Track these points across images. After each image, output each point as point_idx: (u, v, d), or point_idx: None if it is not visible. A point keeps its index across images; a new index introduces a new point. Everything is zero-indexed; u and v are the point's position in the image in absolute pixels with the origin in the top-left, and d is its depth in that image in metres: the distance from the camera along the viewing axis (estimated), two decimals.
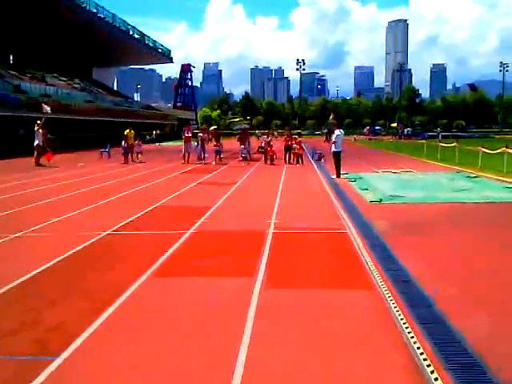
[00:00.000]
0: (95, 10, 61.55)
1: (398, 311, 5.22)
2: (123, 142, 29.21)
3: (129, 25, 73.45)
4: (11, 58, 60.22)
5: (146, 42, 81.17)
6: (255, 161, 28.40)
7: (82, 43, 64.58)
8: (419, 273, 6.60)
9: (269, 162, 26.65)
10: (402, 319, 4.99)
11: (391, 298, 5.65)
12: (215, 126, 35.46)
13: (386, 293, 5.83)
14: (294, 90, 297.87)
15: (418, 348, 4.33)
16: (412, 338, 4.54)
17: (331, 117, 25.04)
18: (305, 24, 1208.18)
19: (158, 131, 29.45)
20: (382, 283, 6.16)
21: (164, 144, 56.56)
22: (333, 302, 5.68)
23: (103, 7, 63.78)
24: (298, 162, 26.08)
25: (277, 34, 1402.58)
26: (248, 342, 4.60)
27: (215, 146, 27.76)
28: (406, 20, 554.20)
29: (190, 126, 32.66)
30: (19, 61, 58.71)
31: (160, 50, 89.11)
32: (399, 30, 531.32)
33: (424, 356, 4.19)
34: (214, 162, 26.91)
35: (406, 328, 4.76)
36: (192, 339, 4.72)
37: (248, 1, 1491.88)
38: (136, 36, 76.53)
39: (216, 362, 4.26)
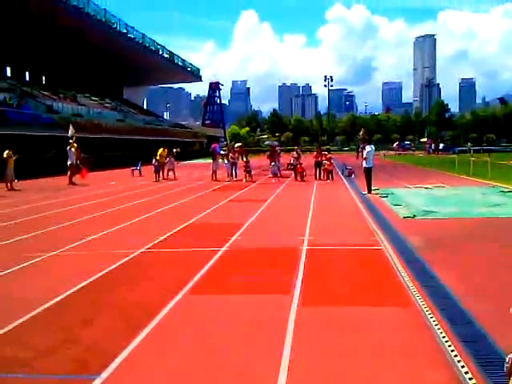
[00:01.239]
0: (125, 31, 62.49)
1: (439, 329, 5.13)
2: (153, 160, 29.45)
3: (158, 44, 74.40)
4: (44, 78, 61.39)
5: (176, 61, 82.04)
6: (285, 177, 28.35)
7: (113, 63, 65.62)
8: (457, 289, 6.49)
9: (299, 178, 26.56)
10: (443, 337, 4.90)
11: (431, 314, 5.56)
12: (240, 144, 35.53)
13: (425, 309, 5.74)
14: (322, 106, 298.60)
15: (463, 367, 4.24)
16: (455, 356, 4.45)
17: (361, 132, 24.83)
18: (332, 41, 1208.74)
19: (179, 149, 29.64)
20: (421, 300, 6.08)
21: (192, 162, 56.76)
22: (371, 320, 5.61)
23: (133, 27, 64.82)
24: (328, 178, 25.97)
25: (304, 51, 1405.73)
26: (288, 362, 4.54)
27: (245, 163, 27.75)
28: (433, 35, 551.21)
29: (216, 143, 32.82)
30: (51, 81, 59.83)
31: (189, 69, 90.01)
32: (427, 45, 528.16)
33: (469, 375, 4.10)
34: (244, 180, 26.93)
35: (449, 346, 4.67)
36: (231, 359, 4.69)
37: (275, 19, 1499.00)
38: (165, 55, 77.41)
39: (258, 378, 4.22)
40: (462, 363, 4.32)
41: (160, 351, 4.88)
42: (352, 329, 5.35)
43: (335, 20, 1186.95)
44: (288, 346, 4.89)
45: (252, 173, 28.13)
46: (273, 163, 28.37)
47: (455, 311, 5.70)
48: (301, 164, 28.03)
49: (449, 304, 5.95)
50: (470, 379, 4.05)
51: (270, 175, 28.41)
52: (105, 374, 4.35)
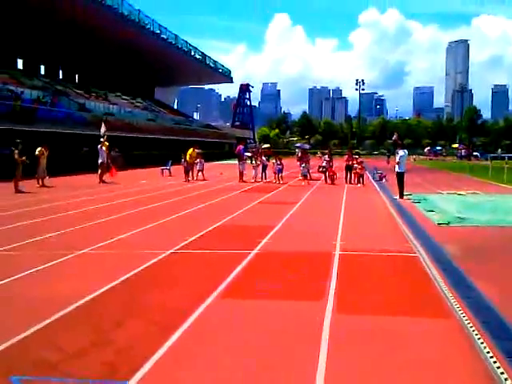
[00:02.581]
0: (158, 31, 62.74)
1: (482, 343, 4.88)
2: (182, 160, 29.46)
3: (191, 45, 74.54)
4: (77, 77, 62.03)
5: (207, 62, 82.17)
6: (315, 180, 28.11)
7: (145, 63, 65.95)
8: (498, 301, 6.23)
9: (329, 181, 26.32)
10: (487, 352, 4.65)
11: (472, 327, 5.32)
12: (268, 145, 35.34)
13: (466, 322, 5.49)
14: (352, 109, 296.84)
15: None
16: (502, 373, 4.20)
17: (395, 137, 24.55)
18: (364, 45, 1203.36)
19: (201, 150, 29.67)
20: (461, 311, 5.83)
21: (221, 162, 56.79)
22: (409, 332, 5.38)
23: (166, 28, 64.97)
24: (359, 182, 25.67)
25: (336, 54, 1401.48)
26: (324, 373, 4.36)
27: (278, 164, 27.53)
28: (466, 40, 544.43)
29: (242, 144, 32.70)
30: (84, 80, 60.46)
31: (220, 71, 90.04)
32: (460, 50, 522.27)
33: None
34: (274, 181, 26.79)
35: (494, 362, 4.42)
36: (264, 367, 4.51)
37: (308, 22, 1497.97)
38: (197, 56, 77.55)
39: None
40: (509, 381, 4.08)
41: (190, 357, 4.72)
42: (390, 340, 5.13)
43: (368, 24, 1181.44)
44: (323, 355, 4.70)
45: (283, 174, 27.97)
46: (303, 165, 28.09)
47: (498, 324, 5.45)
48: (332, 167, 27.80)
49: (490, 317, 5.70)
50: None
51: (300, 177, 28.15)
52: (136, 379, 4.21)
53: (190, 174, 29.32)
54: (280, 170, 27.43)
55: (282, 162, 28.22)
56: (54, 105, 41.54)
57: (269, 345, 5.01)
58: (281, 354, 4.79)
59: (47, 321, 5.61)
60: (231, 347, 4.96)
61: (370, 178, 30.03)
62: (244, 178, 27.83)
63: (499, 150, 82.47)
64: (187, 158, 29.25)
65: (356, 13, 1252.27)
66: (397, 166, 19.32)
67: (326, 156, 29.73)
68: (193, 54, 75.68)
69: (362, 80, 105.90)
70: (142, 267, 8.13)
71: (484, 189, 22.92)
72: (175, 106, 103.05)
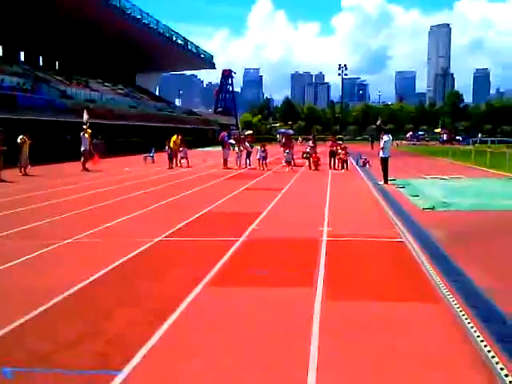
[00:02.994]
0: (140, 17, 62.18)
1: (472, 327, 4.92)
2: (166, 147, 29.39)
3: (172, 31, 74.02)
4: (57, 64, 61.34)
5: (189, 48, 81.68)
6: (299, 166, 28.11)
7: (126, 49, 65.30)
8: (488, 285, 6.28)
9: (313, 167, 26.33)
10: (478, 336, 4.69)
11: (462, 312, 5.36)
12: (250, 131, 35.26)
13: (455, 306, 5.53)
14: (335, 95, 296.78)
15: (502, 369, 4.04)
16: (493, 357, 4.24)
17: (378, 122, 24.57)
18: (347, 29, 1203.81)
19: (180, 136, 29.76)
20: (450, 296, 5.87)
21: (204, 149, 56.62)
22: (400, 316, 5.41)
23: (148, 13, 64.41)
24: (342, 168, 25.73)
25: (318, 39, 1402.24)
26: (316, 358, 4.37)
27: (262, 151, 27.42)
28: (448, 24, 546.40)
29: (225, 131, 32.64)
30: (65, 67, 59.80)
31: (202, 56, 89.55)
32: (441, 34, 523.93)
33: (510, 378, 3.90)
34: (258, 167, 26.76)
35: (485, 346, 4.46)
36: (257, 354, 4.52)
37: (290, 7, 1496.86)
38: (179, 42, 77.04)
39: (286, 379, 4.06)
40: (500, 365, 4.11)
41: (182, 345, 4.72)
42: (381, 325, 5.15)
43: (350, 8, 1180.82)
44: (315, 341, 4.71)
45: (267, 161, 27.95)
46: (287, 151, 28.02)
47: (486, 308, 5.50)
48: (316, 153, 27.80)
49: (479, 301, 5.74)
50: (510, 382, 3.84)
51: (284, 164, 28.12)
52: (128, 368, 4.20)
53: (174, 161, 29.23)
54: (264, 158, 27.35)
55: (267, 149, 28.11)
56: (34, 92, 41.09)
57: (261, 332, 5.01)
58: (273, 340, 4.80)
59: (36, 311, 5.57)
60: (222, 335, 4.96)
61: (354, 163, 30.09)
62: (228, 165, 27.76)
63: (479, 134, 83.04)
64: (171, 145, 29.16)
65: None
66: (381, 152, 19.38)
67: (310, 142, 29.75)
68: (174, 39, 75.15)
69: (345, 65, 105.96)
70: (130, 255, 8.09)
71: (467, 173, 23.09)
72: (157, 93, 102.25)
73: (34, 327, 5.18)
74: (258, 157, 27.40)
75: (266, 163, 27.39)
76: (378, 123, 25.07)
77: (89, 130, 27.12)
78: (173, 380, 4.10)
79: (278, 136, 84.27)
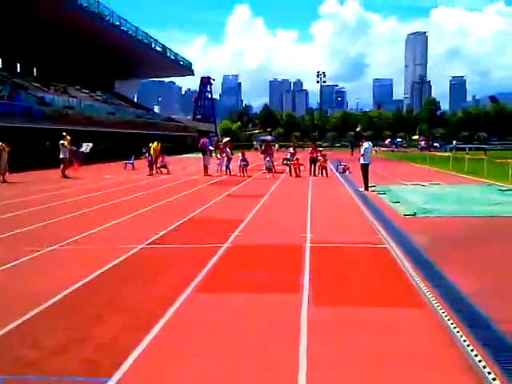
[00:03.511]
0: (118, 23, 61.98)
1: (458, 332, 4.98)
2: (146, 154, 29.34)
3: (151, 38, 73.86)
4: (35, 70, 60.85)
5: (168, 54, 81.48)
6: (279, 173, 28.17)
7: (105, 56, 65.00)
8: (471, 290, 6.36)
9: (294, 174, 26.37)
10: (464, 340, 4.75)
11: (447, 316, 5.41)
12: (228, 138, 35.24)
13: (440, 311, 5.59)
14: (313, 102, 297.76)
15: (489, 373, 4.09)
16: (480, 361, 4.29)
17: (358, 128, 24.80)
18: (325, 36, 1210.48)
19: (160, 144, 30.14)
20: (435, 301, 5.93)
21: (183, 156, 56.47)
22: (386, 321, 5.46)
23: (126, 20, 64.24)
24: (322, 174, 25.82)
25: (297, 46, 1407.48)
26: (305, 364, 4.40)
27: (242, 160, 27.41)
28: (425, 32, 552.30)
29: (206, 138, 32.65)
30: (43, 73, 59.30)
31: (181, 63, 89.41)
32: (418, 42, 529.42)
33: (498, 382, 3.95)
34: (239, 174, 26.75)
35: (472, 350, 4.51)
36: (246, 361, 4.53)
37: (268, 14, 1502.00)
38: (158, 49, 76.85)
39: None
40: (488, 369, 4.16)
41: (170, 352, 4.71)
42: (368, 331, 5.19)
43: (328, 16, 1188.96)
44: (303, 348, 4.73)
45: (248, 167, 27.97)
46: (267, 158, 28.09)
47: (471, 313, 5.56)
48: (298, 159, 27.82)
49: (463, 305, 5.81)
50: None
51: (265, 170, 28.16)
52: (117, 375, 4.19)
53: (154, 167, 29.15)
54: (245, 165, 27.35)
55: (246, 156, 28.08)
56: (11, 98, 40.69)
57: (248, 339, 5.03)
58: (261, 347, 4.82)
59: (23, 318, 5.54)
60: (210, 342, 4.96)
61: (334, 170, 30.23)
62: (208, 172, 27.71)
63: (454, 141, 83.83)
64: (151, 152, 29.08)
65: (317, 4, 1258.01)
66: (361, 158, 19.51)
67: (291, 148, 29.83)
68: (153, 46, 74.98)
69: (324, 72, 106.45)
70: (114, 262, 8.07)
71: (446, 179, 23.29)
72: (135, 99, 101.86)
73: (20, 335, 5.14)
74: (238, 163, 27.41)
75: (246, 170, 27.41)
76: (357, 129, 25.32)
77: (68, 137, 26.93)
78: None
79: (255, 143, 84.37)
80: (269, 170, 27.17)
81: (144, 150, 32.67)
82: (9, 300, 6.27)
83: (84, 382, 4.13)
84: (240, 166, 27.22)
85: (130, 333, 5.15)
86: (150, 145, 29.96)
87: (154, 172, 28.68)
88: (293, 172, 26.66)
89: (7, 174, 23.42)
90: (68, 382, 4.13)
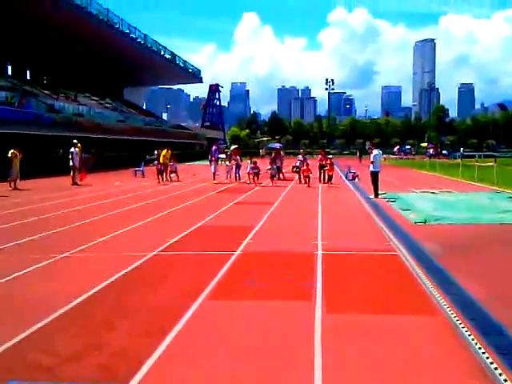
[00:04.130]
0: (128, 31, 62.32)
1: (473, 339, 4.98)
2: (156, 162, 29.43)
3: (160, 45, 74.19)
4: (45, 78, 61.23)
5: (177, 62, 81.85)
6: (289, 180, 28.16)
7: (114, 63, 65.35)
8: (484, 297, 6.36)
9: (303, 181, 26.22)
10: (479, 348, 4.75)
11: (461, 324, 5.42)
12: (235, 146, 35.19)
13: (454, 319, 5.59)
14: (321, 109, 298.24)
15: (506, 381, 4.09)
16: (496, 369, 4.29)
17: (370, 146, 24.78)
18: (333, 44, 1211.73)
19: (161, 150, 30.44)
20: (448, 308, 5.93)
21: (192, 163, 56.55)
22: (400, 329, 5.47)
23: (136, 27, 64.63)
24: (327, 182, 25.57)
25: (305, 54, 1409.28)
26: (321, 372, 4.41)
27: (253, 168, 27.18)
28: (433, 39, 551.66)
29: (217, 144, 32.68)
30: (52, 81, 59.66)
31: (190, 71, 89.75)
32: (427, 49, 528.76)
33: None
34: (248, 182, 26.65)
35: (487, 358, 4.51)
36: (261, 369, 4.55)
37: (277, 21, 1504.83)
38: (167, 56, 77.19)
39: None
40: (504, 376, 4.17)
41: (185, 359, 4.74)
42: (382, 338, 5.20)
43: (337, 23, 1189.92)
44: (318, 355, 4.75)
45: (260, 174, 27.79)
46: (269, 166, 27.81)
47: (485, 320, 5.56)
48: (308, 164, 27.55)
49: (477, 313, 5.81)
50: None
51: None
52: (134, 382, 4.23)
53: (164, 175, 29.18)
54: (256, 173, 27.12)
55: (257, 165, 27.86)
56: (22, 106, 40.93)
57: (262, 346, 5.04)
58: (276, 354, 4.83)
59: (34, 326, 5.56)
60: (225, 348, 4.99)
61: (343, 177, 30.20)
62: (218, 179, 27.67)
63: (461, 149, 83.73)
64: (160, 160, 29.12)
65: (325, 12, 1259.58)
66: (371, 166, 19.51)
67: (300, 156, 29.74)
68: (162, 53, 75.30)
69: (332, 80, 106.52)
70: (127, 269, 8.10)
71: (456, 187, 23.26)
72: (144, 107, 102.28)
73: (35, 341, 5.18)
74: (248, 170, 27.30)
75: (258, 177, 27.27)
76: (369, 146, 25.21)
77: (79, 145, 27.09)
78: None
79: (261, 151, 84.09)
80: (272, 177, 26.99)
81: (148, 157, 32.72)
82: (22, 307, 6.32)
83: None
84: (249, 173, 27.11)
85: (144, 340, 5.17)
86: (157, 152, 30.02)
87: (163, 179, 28.67)
88: (302, 179, 26.55)
89: (18, 180, 23.54)
90: None
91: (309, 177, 25.67)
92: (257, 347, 5.00)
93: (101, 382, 4.26)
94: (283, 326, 5.59)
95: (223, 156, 32.38)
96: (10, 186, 22.89)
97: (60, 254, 9.22)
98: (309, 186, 24.82)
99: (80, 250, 9.71)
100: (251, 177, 27.05)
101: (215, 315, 5.98)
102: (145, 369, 4.46)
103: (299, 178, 27.32)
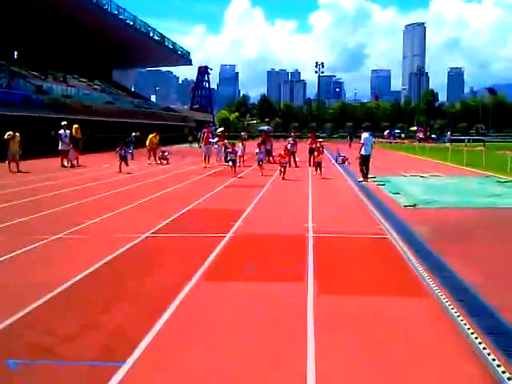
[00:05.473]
0: (116, 12, 61.67)
1: (462, 320, 5.08)
2: (147, 145, 29.46)
3: (149, 27, 73.49)
4: (32, 59, 60.53)
5: (166, 43, 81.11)
6: (278, 164, 28.08)
7: (103, 45, 64.71)
8: (473, 279, 6.47)
9: (293, 165, 26.09)
10: (468, 328, 4.85)
11: (451, 305, 5.52)
12: (222, 129, 35.00)
13: (443, 300, 5.69)
14: (310, 92, 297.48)
15: (494, 360, 4.19)
16: (484, 349, 4.40)
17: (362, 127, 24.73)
18: (324, 27, 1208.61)
19: (138, 133, 30.33)
20: (438, 290, 6.03)
21: (181, 146, 56.30)
22: (391, 310, 5.57)
23: (124, 9, 63.86)
24: (316, 171, 24.43)
25: (295, 36, 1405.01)
26: (314, 352, 4.50)
27: (230, 150, 26.14)
28: (423, 23, 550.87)
29: (209, 127, 32.59)
30: (40, 62, 59.02)
31: (179, 52, 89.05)
32: (417, 33, 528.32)
33: (502, 368, 4.05)
34: (238, 165, 26.34)
35: (476, 338, 4.62)
36: (256, 349, 4.64)
37: (267, 4, 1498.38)
38: (156, 38, 76.49)
39: (285, 371, 4.17)
40: (492, 356, 4.27)
41: (181, 338, 4.81)
42: (374, 319, 5.30)
43: (327, 6, 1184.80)
44: (311, 335, 4.84)
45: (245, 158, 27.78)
46: (257, 150, 25.30)
47: (474, 302, 5.67)
48: (295, 151, 27.25)
49: (466, 295, 5.91)
50: (503, 372, 3.99)
51: (260, 163, 24.18)
52: (131, 360, 4.31)
53: (153, 158, 29.18)
54: (233, 160, 23.82)
55: (235, 148, 26.57)
56: (10, 87, 40.55)
57: (257, 326, 5.12)
58: (270, 334, 4.92)
59: (33, 305, 5.63)
60: (219, 328, 5.06)
61: (333, 160, 30.28)
62: (208, 162, 27.55)
63: (449, 132, 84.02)
64: (147, 143, 29.18)
65: None
66: (362, 149, 19.54)
67: (291, 139, 29.65)
68: (151, 35, 74.57)
69: (322, 63, 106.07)
70: (120, 251, 8.16)
71: (445, 171, 23.42)
72: (132, 89, 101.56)
73: (32, 322, 5.23)
74: (239, 153, 26.90)
75: (243, 160, 27.13)
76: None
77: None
78: (176, 372, 4.18)
79: (242, 134, 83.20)
80: (260, 162, 23.85)
81: (128, 139, 32.42)
82: (17, 288, 6.35)
83: (98, 366, 4.23)
84: (241, 155, 26.91)
85: (140, 320, 5.24)
86: (134, 134, 30.12)
87: (153, 162, 28.62)
88: (292, 163, 25.92)
89: (16, 162, 23.04)
90: (83, 367, 4.23)
91: (285, 167, 21.92)
92: (250, 328, 5.07)
93: (100, 361, 4.32)
94: (277, 306, 5.67)
95: (215, 140, 32.00)
96: (10, 168, 22.66)
97: (53, 236, 9.24)
98: (297, 167, 24.70)
99: (73, 231, 9.73)
100: (230, 164, 23.91)
101: (210, 296, 6.04)
102: (141, 348, 4.53)
103: (289, 161, 25.65)
